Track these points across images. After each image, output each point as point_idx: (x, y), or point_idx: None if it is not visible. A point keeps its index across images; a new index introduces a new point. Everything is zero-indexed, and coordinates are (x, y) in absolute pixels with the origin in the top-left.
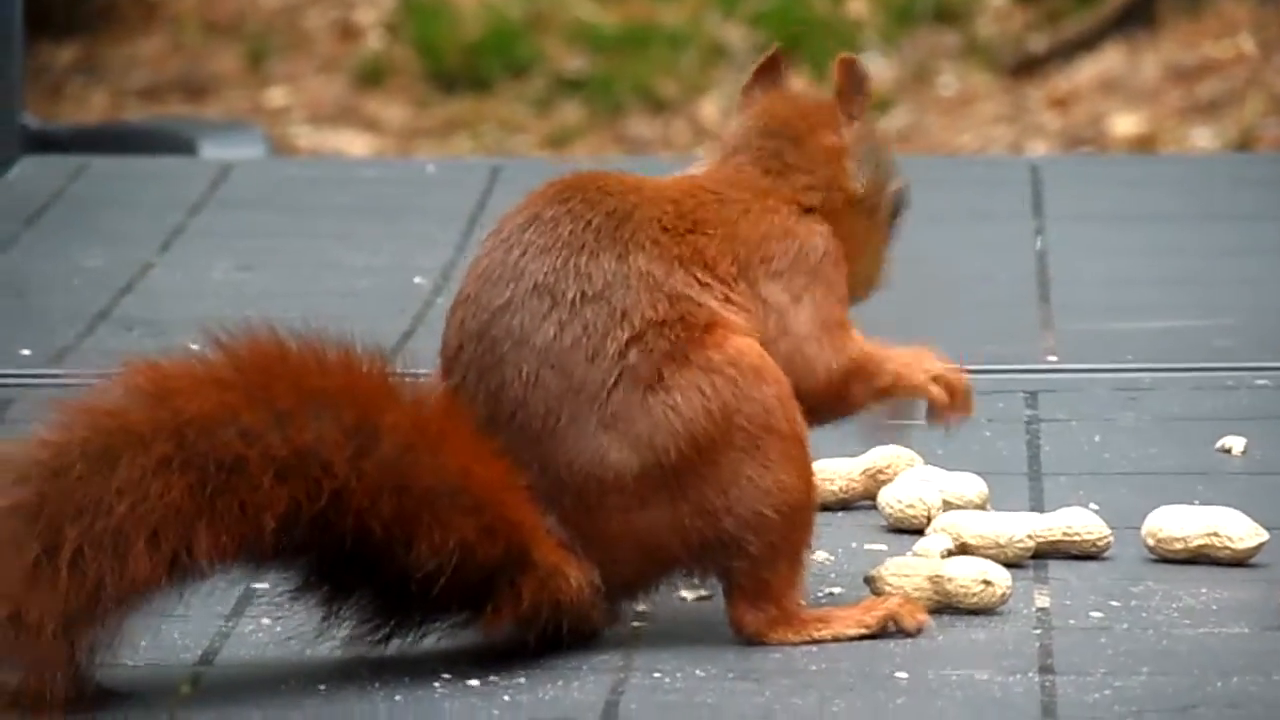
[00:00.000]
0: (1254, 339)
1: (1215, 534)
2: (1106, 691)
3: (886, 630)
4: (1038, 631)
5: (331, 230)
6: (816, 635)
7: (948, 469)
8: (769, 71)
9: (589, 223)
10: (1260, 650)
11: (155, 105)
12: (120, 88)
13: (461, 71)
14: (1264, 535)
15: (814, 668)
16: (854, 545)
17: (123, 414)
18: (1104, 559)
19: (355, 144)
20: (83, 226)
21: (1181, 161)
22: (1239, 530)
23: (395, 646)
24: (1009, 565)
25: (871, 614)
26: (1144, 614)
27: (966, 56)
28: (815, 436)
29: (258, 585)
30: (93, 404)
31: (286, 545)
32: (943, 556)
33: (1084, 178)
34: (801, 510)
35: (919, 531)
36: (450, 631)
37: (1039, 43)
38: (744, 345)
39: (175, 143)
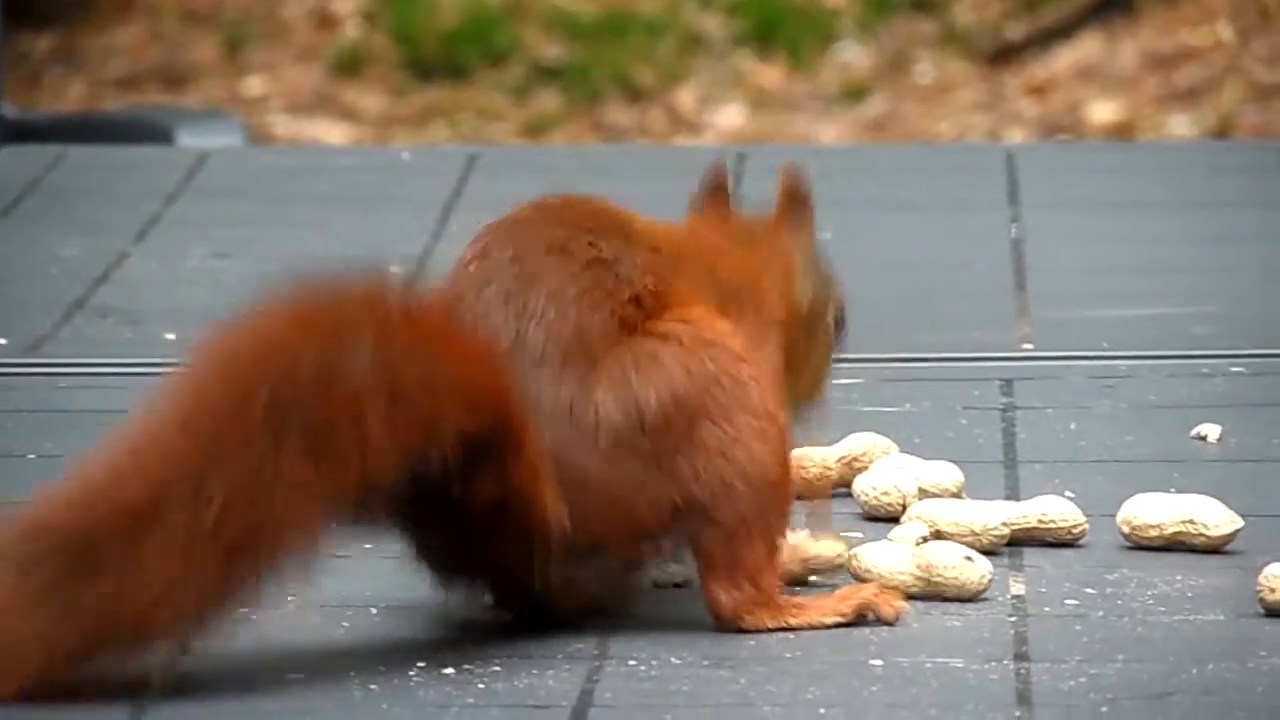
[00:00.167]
0: (1231, 326)
1: (1190, 521)
2: (1082, 679)
3: (863, 618)
4: (1013, 619)
5: (308, 219)
6: (793, 622)
7: (923, 457)
8: (716, 191)
9: (593, 218)
10: (1235, 637)
11: (133, 94)
12: (98, 77)
13: (439, 60)
14: (1239, 522)
15: (789, 655)
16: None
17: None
18: (1079, 546)
19: (333, 133)
20: (59, 215)
21: (1159, 149)
22: (1214, 517)
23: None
24: (984, 553)
25: (848, 603)
26: (1119, 601)
27: (944, 44)
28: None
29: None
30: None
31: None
32: (917, 544)
33: (1061, 165)
34: (774, 488)
35: (894, 519)
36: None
37: (1016, 30)
38: (729, 329)
39: (152, 132)
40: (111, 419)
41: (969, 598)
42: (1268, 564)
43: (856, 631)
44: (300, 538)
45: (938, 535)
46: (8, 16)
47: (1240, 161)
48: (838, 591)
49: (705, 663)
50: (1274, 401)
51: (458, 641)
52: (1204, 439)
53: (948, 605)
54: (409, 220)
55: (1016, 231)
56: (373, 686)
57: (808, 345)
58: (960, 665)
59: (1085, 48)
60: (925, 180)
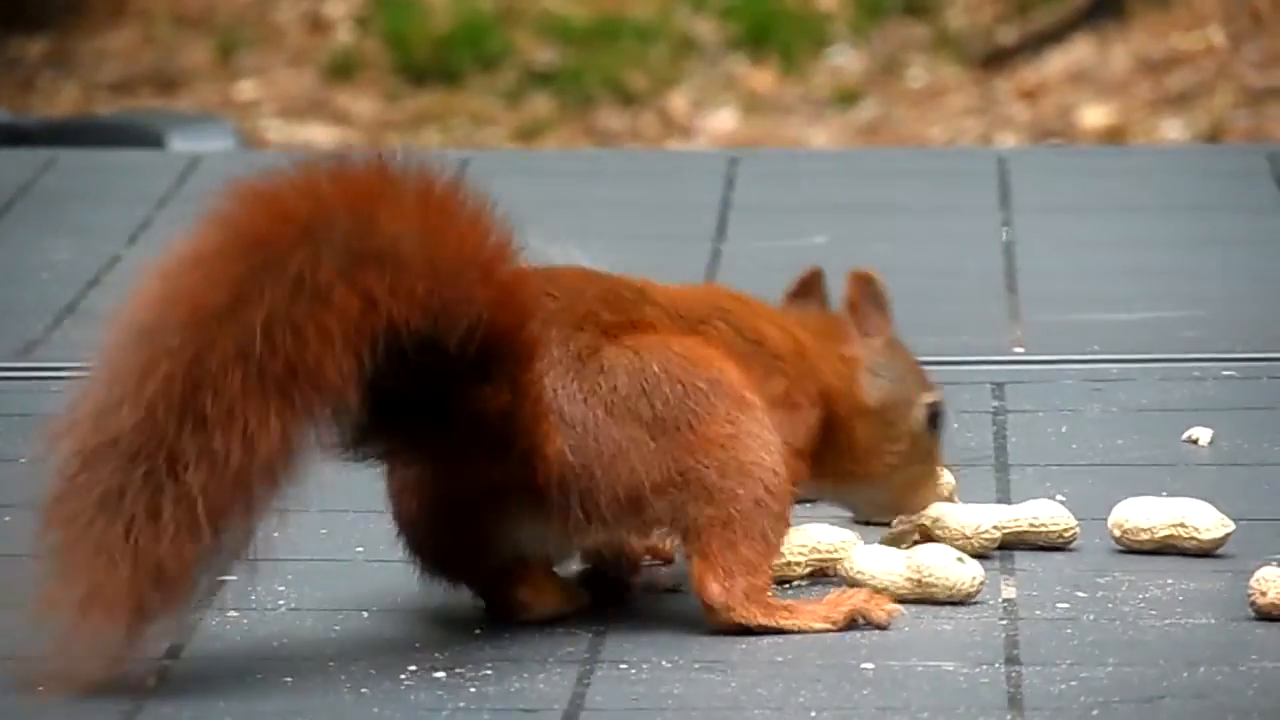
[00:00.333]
0: (1221, 330)
1: (1182, 525)
2: (1073, 682)
3: (854, 624)
4: (1004, 622)
5: None
6: (783, 623)
7: None
8: (805, 288)
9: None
10: (1226, 641)
11: (126, 99)
12: (91, 81)
13: (431, 64)
14: (1230, 526)
15: (780, 658)
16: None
17: (170, 350)
18: (1071, 550)
19: (325, 137)
20: (51, 219)
21: (1151, 153)
22: (1205, 521)
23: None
24: (976, 556)
25: (839, 610)
26: (1110, 605)
27: (936, 49)
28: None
29: (225, 578)
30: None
31: (368, 391)
32: (907, 547)
33: (1052, 169)
34: (775, 495)
35: (886, 523)
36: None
37: (1008, 35)
38: (733, 365)
39: (144, 136)
40: None
41: (960, 601)
42: (1259, 567)
43: (848, 634)
44: (331, 384)
45: (929, 539)
46: (0, 21)
47: (1231, 166)
48: (828, 596)
49: (696, 666)
50: (1265, 405)
51: (449, 645)
52: (1195, 442)
53: (939, 609)
54: None
55: (1008, 235)
56: (364, 689)
57: (878, 438)
58: (951, 668)
59: (1077, 52)
60: (917, 184)
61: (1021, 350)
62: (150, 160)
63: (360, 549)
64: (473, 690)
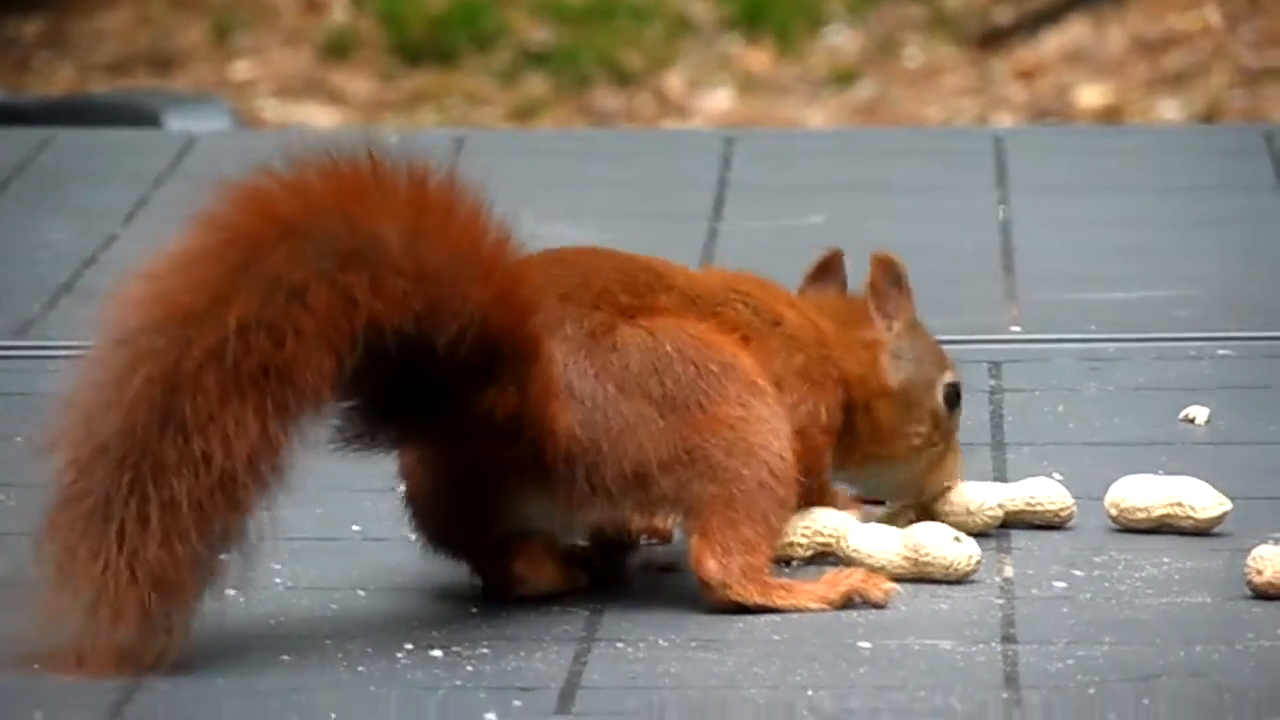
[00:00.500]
0: (1218, 309)
1: (1178, 504)
2: (1069, 661)
3: (851, 603)
4: (1001, 601)
5: None
6: (779, 602)
7: None
8: (824, 270)
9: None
10: (1222, 620)
11: (122, 78)
12: (87, 61)
13: (427, 44)
14: (1227, 505)
15: (777, 637)
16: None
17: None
18: (1067, 529)
19: (321, 116)
20: (48, 199)
21: (1147, 133)
22: (1202, 500)
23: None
24: (976, 535)
25: (836, 589)
26: (1107, 584)
27: (932, 28)
28: None
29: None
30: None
31: (344, 392)
32: (903, 525)
33: (1048, 149)
34: (776, 475)
35: (882, 501)
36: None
37: (1004, 15)
38: (747, 352)
39: (140, 115)
40: None
41: (957, 579)
42: (1255, 546)
43: (844, 613)
44: (308, 384)
45: (930, 517)
46: None
47: (1228, 145)
48: (825, 576)
49: (693, 644)
50: (1262, 384)
51: (446, 623)
52: (1192, 421)
53: (936, 587)
54: None
55: (1004, 215)
56: (361, 668)
57: (901, 420)
58: (948, 647)
59: (1073, 32)
60: (913, 164)
61: (1018, 329)
62: (146, 139)
63: (357, 528)
64: (469, 669)
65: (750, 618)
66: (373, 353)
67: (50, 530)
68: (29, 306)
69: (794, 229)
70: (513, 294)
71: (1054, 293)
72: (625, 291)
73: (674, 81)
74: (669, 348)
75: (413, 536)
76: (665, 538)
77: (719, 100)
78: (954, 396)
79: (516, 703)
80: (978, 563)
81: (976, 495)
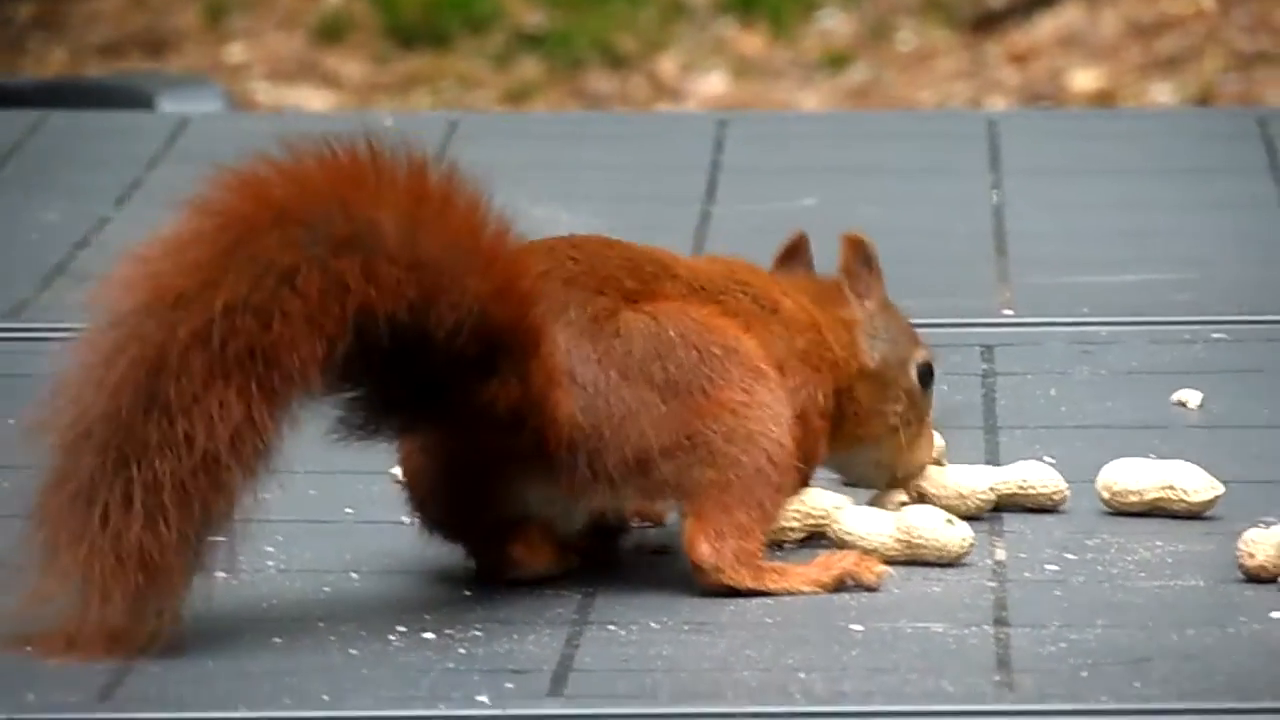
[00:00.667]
0: (1210, 293)
1: (1171, 487)
2: (1061, 644)
3: (843, 585)
4: (993, 584)
5: None
6: (771, 586)
7: None
8: (791, 254)
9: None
10: (1215, 603)
11: (115, 61)
12: (81, 43)
13: (420, 27)
14: (1219, 488)
15: (769, 620)
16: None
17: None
18: (1060, 512)
19: (314, 100)
20: (41, 181)
21: (1140, 116)
22: (1194, 483)
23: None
24: (968, 518)
25: (829, 573)
26: (1099, 567)
27: (926, 12)
28: None
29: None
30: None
31: (335, 378)
32: (896, 509)
33: (1041, 132)
34: (779, 466)
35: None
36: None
37: None
38: (756, 351)
39: (133, 97)
40: None
41: (949, 562)
42: (1247, 530)
43: (837, 596)
44: (294, 368)
45: (922, 500)
46: None
47: (1221, 129)
48: (818, 559)
49: (685, 627)
50: (1254, 368)
51: (438, 606)
52: (1184, 405)
53: (928, 570)
54: None
55: (997, 198)
56: (353, 651)
57: (878, 399)
58: (940, 630)
59: (1067, 15)
60: (906, 147)
61: (1011, 312)
62: (139, 122)
63: (350, 510)
64: (462, 651)
65: (742, 600)
66: (366, 340)
67: (39, 513)
68: (22, 288)
69: (787, 212)
70: (512, 286)
71: (1046, 276)
72: (630, 277)
73: (667, 65)
74: (672, 332)
75: (410, 519)
76: (658, 520)
77: (712, 83)
78: (927, 374)
79: (509, 685)
80: (970, 545)
81: (969, 480)
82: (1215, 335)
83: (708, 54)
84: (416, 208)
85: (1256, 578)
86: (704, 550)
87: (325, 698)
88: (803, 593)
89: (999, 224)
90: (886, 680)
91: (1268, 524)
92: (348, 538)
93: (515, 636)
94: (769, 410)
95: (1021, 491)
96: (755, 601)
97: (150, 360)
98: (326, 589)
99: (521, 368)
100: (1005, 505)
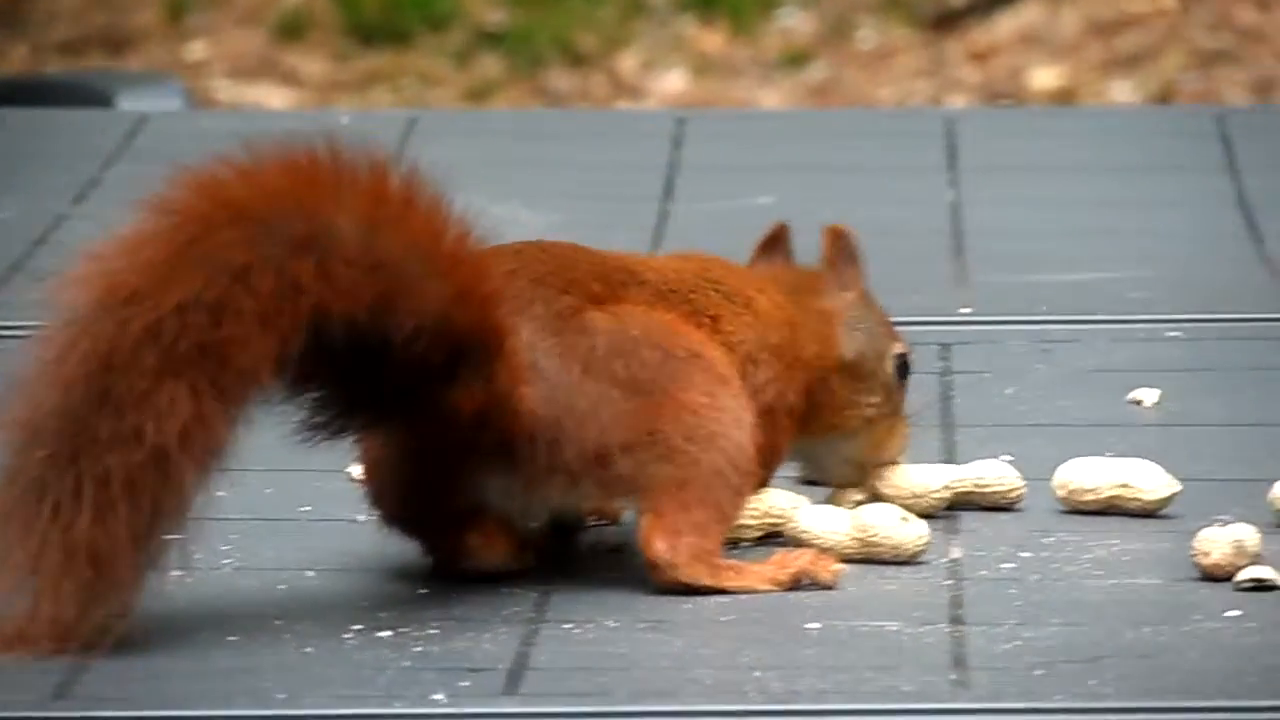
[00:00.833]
0: (1168, 291)
1: (1126, 485)
2: (1017, 642)
3: (800, 585)
4: (949, 582)
5: None
6: (728, 584)
7: None
8: (771, 244)
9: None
10: (1170, 601)
11: (76, 59)
12: (41, 40)
13: (380, 25)
14: (1176, 487)
15: (725, 618)
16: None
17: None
18: (1016, 510)
19: (275, 97)
20: None
21: (1100, 114)
22: (1150, 482)
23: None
24: (923, 516)
25: (785, 571)
26: (1055, 565)
27: (886, 10)
28: None
29: (167, 536)
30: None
31: (288, 377)
32: (852, 507)
33: (999, 130)
34: (734, 464)
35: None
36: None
37: None
38: (721, 359)
39: (92, 95)
40: None
41: (905, 560)
42: (1203, 528)
43: (793, 594)
44: (246, 367)
45: (877, 499)
46: None
47: (1180, 127)
48: (774, 557)
49: (641, 625)
50: (1210, 366)
51: (394, 605)
52: (1140, 403)
53: (884, 568)
54: None
55: (955, 196)
56: (309, 649)
57: (854, 391)
58: (896, 628)
59: (1028, 14)
60: (865, 146)
61: (969, 311)
62: (97, 119)
63: (306, 508)
64: (418, 650)
65: (699, 599)
66: (323, 342)
67: None
68: None
69: (745, 210)
70: (474, 289)
71: (1004, 274)
72: (597, 282)
73: (628, 63)
74: (636, 332)
75: (368, 511)
76: (613, 519)
77: (672, 81)
78: (903, 367)
79: (464, 683)
80: (926, 544)
81: (923, 479)
82: (1172, 334)
83: (668, 52)
84: (376, 210)
85: (1212, 576)
86: (660, 547)
87: (281, 696)
88: (759, 591)
89: (957, 222)
90: (842, 679)
91: (1223, 522)
92: (304, 536)
93: (471, 634)
94: (730, 414)
95: (978, 490)
96: (711, 600)
97: (102, 356)
98: (282, 587)
99: (485, 370)
100: (962, 503)
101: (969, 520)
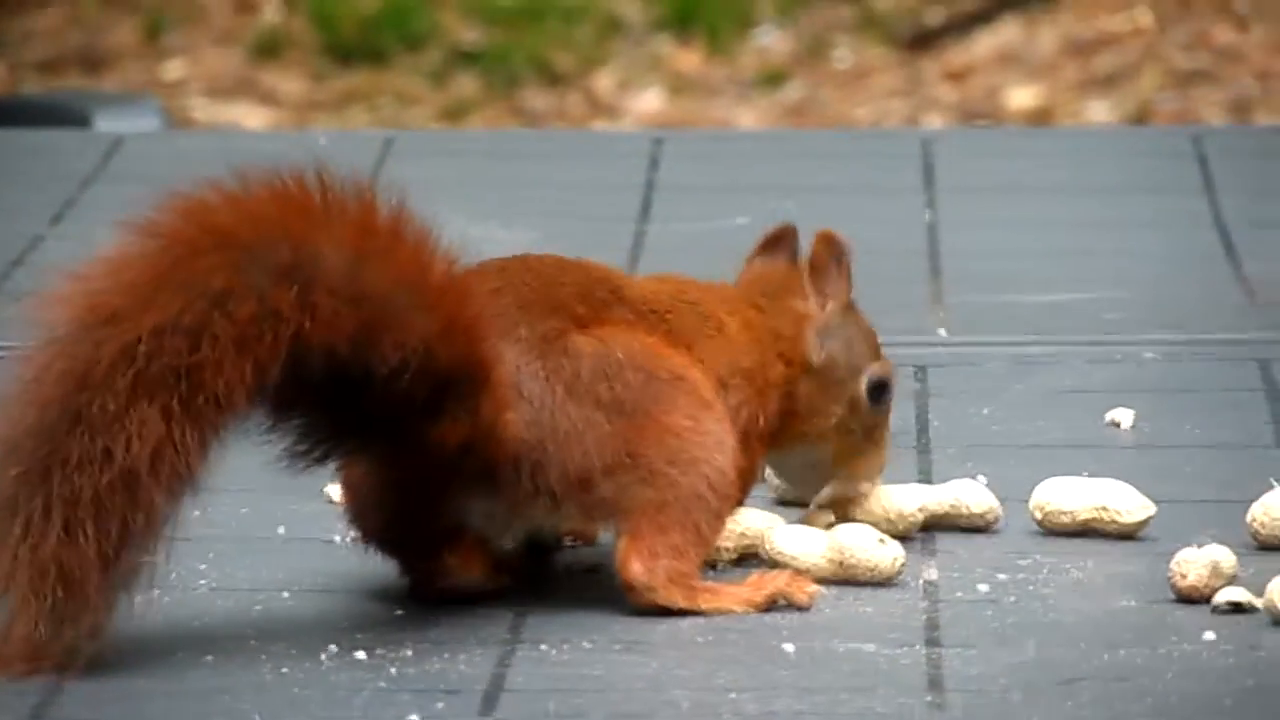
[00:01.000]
0: (1145, 312)
1: (1103, 507)
2: (993, 664)
3: (776, 606)
4: (925, 604)
5: None
6: (704, 605)
7: None
8: (775, 243)
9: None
10: (1146, 623)
11: (53, 78)
12: (17, 60)
13: (358, 44)
14: (1151, 509)
15: (701, 639)
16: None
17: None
18: (992, 532)
19: (252, 117)
20: None
21: (1077, 135)
22: (1127, 504)
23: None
24: (899, 538)
25: (761, 591)
26: (1031, 587)
27: (862, 29)
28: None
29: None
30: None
31: (264, 403)
32: (827, 528)
33: (976, 151)
34: (714, 488)
35: (806, 504)
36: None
37: (935, 16)
38: (704, 381)
39: (69, 115)
40: None
41: (881, 582)
42: (1179, 550)
43: (769, 616)
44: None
45: (852, 522)
46: None
47: (1158, 147)
48: (750, 579)
49: (617, 647)
50: (1187, 387)
51: (370, 626)
52: (1117, 425)
53: (860, 590)
54: None
55: (932, 217)
56: (284, 670)
57: (820, 400)
58: (872, 650)
59: (1005, 33)
60: (842, 166)
61: (944, 332)
62: (74, 140)
63: (282, 529)
64: (393, 671)
65: (675, 620)
66: (302, 371)
67: None
68: None
69: (721, 230)
70: (459, 322)
71: (981, 295)
72: (581, 303)
73: (604, 82)
74: (620, 354)
75: (345, 532)
76: (589, 540)
77: (649, 101)
78: (878, 389)
79: (440, 705)
80: (902, 565)
81: (897, 501)
82: (1148, 355)
83: (644, 71)
84: (363, 241)
85: (1188, 598)
86: (636, 569)
87: (257, 717)
88: (735, 612)
89: (933, 243)
90: (818, 700)
91: (1200, 544)
92: (280, 556)
93: (447, 656)
94: (712, 438)
95: (954, 511)
96: (687, 621)
97: (77, 376)
98: (259, 607)
99: (471, 403)
100: (938, 525)
101: (945, 541)
